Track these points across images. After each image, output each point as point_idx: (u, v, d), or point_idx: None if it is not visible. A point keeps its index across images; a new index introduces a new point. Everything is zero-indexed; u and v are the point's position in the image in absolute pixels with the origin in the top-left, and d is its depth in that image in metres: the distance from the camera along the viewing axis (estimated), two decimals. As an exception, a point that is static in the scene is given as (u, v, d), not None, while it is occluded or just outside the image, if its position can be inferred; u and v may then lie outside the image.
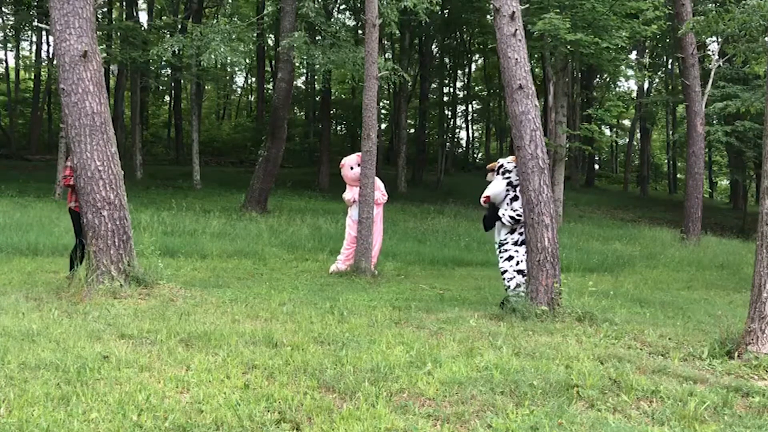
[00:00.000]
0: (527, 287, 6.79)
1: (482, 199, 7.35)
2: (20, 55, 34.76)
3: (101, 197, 6.99)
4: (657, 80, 34.49)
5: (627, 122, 41.02)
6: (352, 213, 9.90)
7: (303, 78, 36.22)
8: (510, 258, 7.15)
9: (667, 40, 27.01)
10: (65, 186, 7.98)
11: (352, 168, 9.87)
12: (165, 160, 32.11)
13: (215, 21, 22.50)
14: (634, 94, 35.99)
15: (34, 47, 34.02)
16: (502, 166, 7.30)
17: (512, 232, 7.17)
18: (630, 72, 24.99)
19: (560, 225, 17.18)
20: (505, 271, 7.17)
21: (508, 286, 7.14)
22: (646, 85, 34.75)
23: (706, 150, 25.54)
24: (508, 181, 7.20)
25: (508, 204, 7.16)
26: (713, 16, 12.98)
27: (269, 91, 32.29)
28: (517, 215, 7.05)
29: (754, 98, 17.32)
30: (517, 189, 7.12)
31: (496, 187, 7.25)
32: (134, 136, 25.21)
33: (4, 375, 4.04)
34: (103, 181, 7.01)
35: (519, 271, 7.09)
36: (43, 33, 30.10)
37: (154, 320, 5.61)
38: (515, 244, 7.15)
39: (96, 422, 3.41)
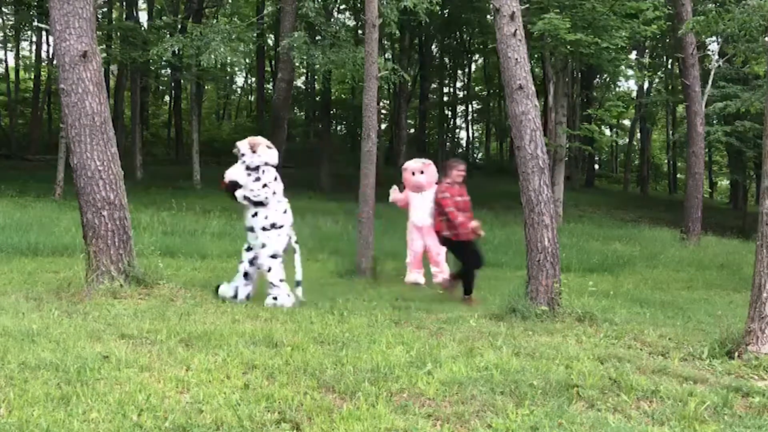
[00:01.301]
0: (528, 287, 6.77)
1: (222, 183, 7.20)
2: (20, 55, 34.76)
3: (101, 197, 6.99)
4: (657, 80, 34.47)
5: (627, 122, 41.00)
6: (411, 216, 9.58)
7: (303, 78, 36.22)
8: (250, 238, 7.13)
9: (667, 40, 27.01)
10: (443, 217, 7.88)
11: (413, 174, 9.45)
12: (165, 160, 32.08)
13: (215, 21, 22.49)
14: (634, 94, 35.98)
15: (34, 47, 34.00)
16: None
17: (256, 215, 7.03)
18: (630, 72, 24.99)
19: (560, 225, 17.18)
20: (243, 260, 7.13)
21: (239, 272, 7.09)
22: (646, 85, 34.75)
23: (706, 150, 25.53)
24: (245, 165, 7.06)
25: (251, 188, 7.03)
26: (713, 16, 12.99)
27: (269, 91, 32.29)
28: (253, 195, 6.94)
29: (754, 98, 17.32)
30: (258, 171, 6.98)
31: (235, 171, 7.09)
32: (134, 136, 25.20)
33: (4, 375, 4.04)
34: (103, 181, 7.01)
35: (248, 249, 7.10)
36: (43, 33, 30.08)
37: (154, 320, 5.60)
38: (263, 229, 7.02)
39: (96, 422, 3.40)
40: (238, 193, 6.96)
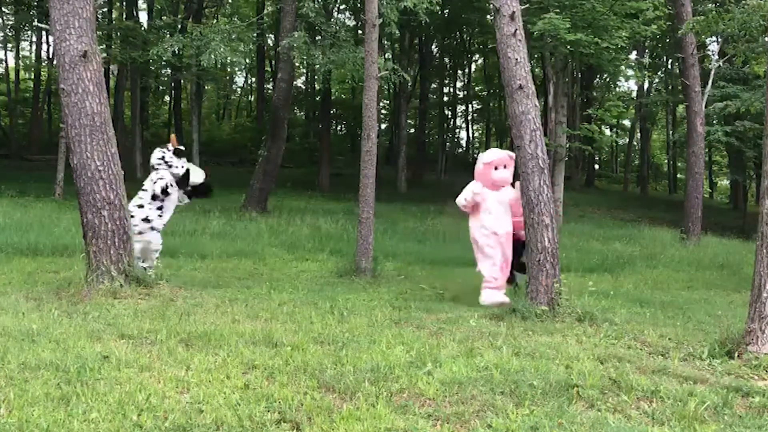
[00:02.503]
0: (528, 287, 6.77)
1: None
2: (20, 55, 34.73)
3: (101, 197, 6.99)
4: (657, 80, 34.46)
5: (627, 122, 40.99)
6: (485, 221, 7.62)
7: (303, 78, 36.21)
8: (141, 206, 7.80)
9: (667, 40, 26.98)
10: None
11: (496, 168, 7.64)
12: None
13: (215, 21, 22.52)
14: (634, 94, 35.98)
15: (34, 47, 33.99)
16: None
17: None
18: (630, 72, 24.99)
19: (560, 225, 17.17)
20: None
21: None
22: (646, 85, 34.75)
23: (706, 150, 25.52)
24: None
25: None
26: (713, 16, 13.00)
27: (269, 91, 32.28)
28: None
29: (754, 98, 17.33)
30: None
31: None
32: (134, 136, 25.20)
33: (4, 375, 4.04)
34: (103, 181, 7.01)
35: (145, 219, 7.72)
36: (43, 33, 30.06)
37: (154, 320, 5.61)
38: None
39: (96, 422, 3.41)
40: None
